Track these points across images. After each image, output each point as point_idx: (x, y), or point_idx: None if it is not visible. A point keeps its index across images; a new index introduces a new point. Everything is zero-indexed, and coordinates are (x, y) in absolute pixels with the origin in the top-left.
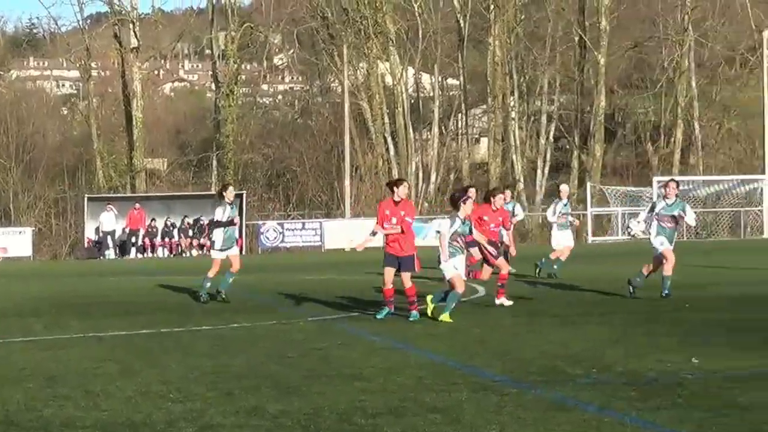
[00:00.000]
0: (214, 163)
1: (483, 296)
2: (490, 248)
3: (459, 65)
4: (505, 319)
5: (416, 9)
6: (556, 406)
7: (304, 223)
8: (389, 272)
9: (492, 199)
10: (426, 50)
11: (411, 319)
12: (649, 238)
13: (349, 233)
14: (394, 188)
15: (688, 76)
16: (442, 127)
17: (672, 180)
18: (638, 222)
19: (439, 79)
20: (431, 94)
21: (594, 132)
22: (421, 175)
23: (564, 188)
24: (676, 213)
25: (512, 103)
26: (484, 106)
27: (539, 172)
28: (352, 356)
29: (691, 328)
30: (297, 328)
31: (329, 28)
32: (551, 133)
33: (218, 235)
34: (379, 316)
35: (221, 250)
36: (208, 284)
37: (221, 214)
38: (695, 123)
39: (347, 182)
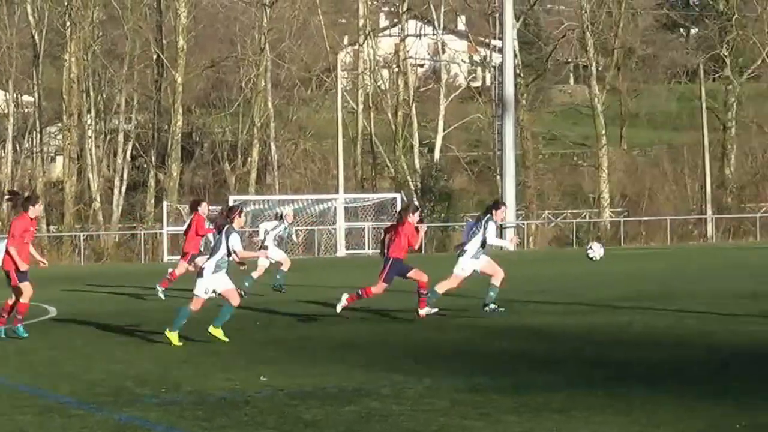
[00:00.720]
0: None
1: (55, 316)
2: None
3: (34, 82)
4: (76, 340)
5: None
6: (122, 427)
7: None
8: (30, 287)
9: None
10: (0, 66)
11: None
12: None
13: None
14: (32, 206)
15: (265, 96)
16: (17, 145)
17: (504, 204)
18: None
19: (14, 95)
20: (5, 111)
21: (171, 151)
22: None
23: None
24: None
25: (89, 121)
26: (60, 124)
27: (116, 190)
28: None
29: (260, 347)
30: None
31: None
32: (128, 152)
33: None
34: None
35: None
36: None
37: None
38: (271, 143)
39: None
